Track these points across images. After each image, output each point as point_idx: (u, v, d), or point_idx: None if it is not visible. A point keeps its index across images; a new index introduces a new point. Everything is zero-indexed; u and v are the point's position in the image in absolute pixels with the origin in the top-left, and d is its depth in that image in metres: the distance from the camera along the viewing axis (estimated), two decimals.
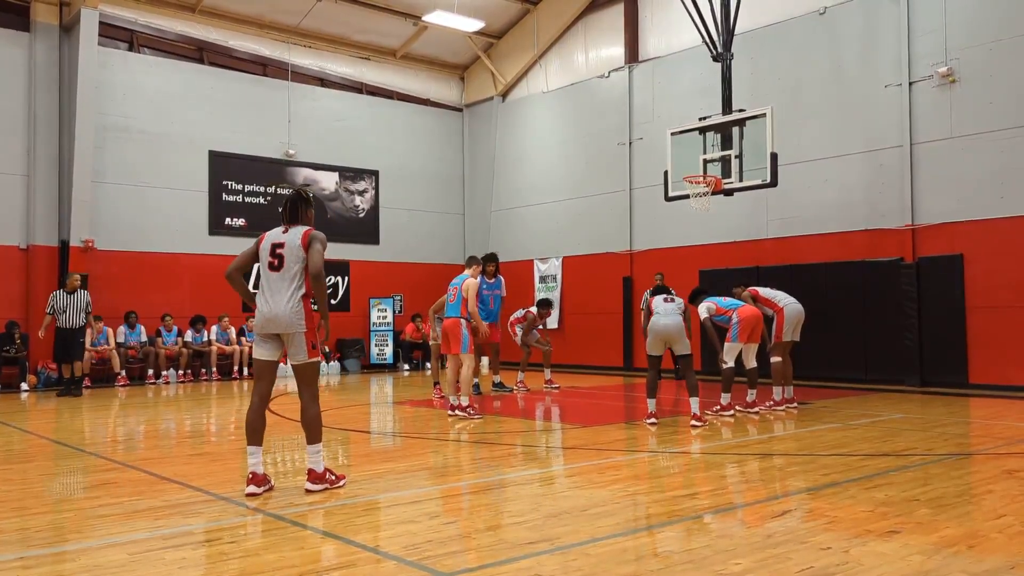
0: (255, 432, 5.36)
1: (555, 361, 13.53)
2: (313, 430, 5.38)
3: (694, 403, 8.42)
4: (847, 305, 12.89)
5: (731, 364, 9.33)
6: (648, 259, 15.93)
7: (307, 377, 5.44)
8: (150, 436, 8.54)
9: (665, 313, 8.49)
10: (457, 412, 9.20)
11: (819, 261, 13.30)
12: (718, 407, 9.30)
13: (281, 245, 5.39)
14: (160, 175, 15.90)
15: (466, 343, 9.21)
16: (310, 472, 5.35)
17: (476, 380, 10.46)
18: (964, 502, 4.87)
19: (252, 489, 5.21)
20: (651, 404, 8.60)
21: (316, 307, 5.41)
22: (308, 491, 5.26)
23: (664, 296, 8.72)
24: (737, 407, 9.43)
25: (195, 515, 4.77)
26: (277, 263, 5.38)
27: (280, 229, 5.50)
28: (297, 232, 5.39)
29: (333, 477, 5.44)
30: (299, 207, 5.52)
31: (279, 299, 5.33)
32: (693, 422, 8.28)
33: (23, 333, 13.99)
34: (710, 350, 10.95)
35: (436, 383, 11.50)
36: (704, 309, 9.40)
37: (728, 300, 9.64)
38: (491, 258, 11.53)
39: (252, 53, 17.46)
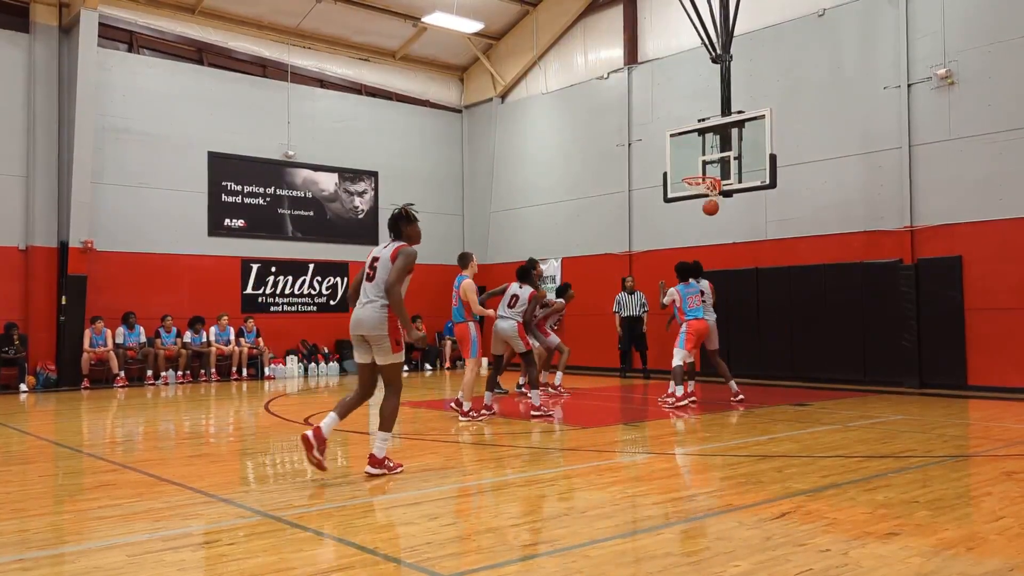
0: (341, 405, 5.93)
1: (554, 362, 13.50)
2: (385, 419, 5.88)
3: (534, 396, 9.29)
4: (846, 307, 12.90)
5: (679, 363, 10.23)
6: (647, 260, 15.94)
7: (390, 376, 5.95)
8: (149, 437, 8.54)
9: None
10: (459, 415, 9.17)
11: (818, 263, 13.30)
12: (672, 399, 10.20)
13: (377, 259, 5.95)
14: (159, 176, 15.89)
15: (475, 348, 9.19)
16: (371, 457, 5.84)
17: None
18: (963, 504, 4.87)
19: (368, 469, 5.85)
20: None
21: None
22: (368, 474, 5.76)
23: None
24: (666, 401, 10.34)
25: (194, 517, 4.77)
26: (372, 274, 5.92)
27: (383, 244, 6.07)
28: (392, 246, 5.95)
29: (392, 464, 5.88)
30: (399, 224, 6.05)
31: (366, 305, 5.83)
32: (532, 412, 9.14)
33: (22, 334, 14.00)
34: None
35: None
36: (668, 296, 10.42)
37: (693, 306, 10.29)
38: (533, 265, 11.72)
39: (251, 54, 17.46)
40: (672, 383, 10.30)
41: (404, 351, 5.93)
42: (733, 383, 10.70)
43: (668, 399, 10.32)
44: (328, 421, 5.80)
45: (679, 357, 10.24)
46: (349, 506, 5.00)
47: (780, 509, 4.71)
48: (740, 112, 11.70)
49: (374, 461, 5.81)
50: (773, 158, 11.14)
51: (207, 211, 16.49)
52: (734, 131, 11.62)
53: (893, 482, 5.46)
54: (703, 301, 10.45)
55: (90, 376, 14.29)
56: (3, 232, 14.49)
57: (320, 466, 5.70)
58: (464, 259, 9.64)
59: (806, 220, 13.56)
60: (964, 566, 3.63)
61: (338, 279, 18.21)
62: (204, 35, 16.84)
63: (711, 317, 10.75)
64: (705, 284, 10.83)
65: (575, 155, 17.69)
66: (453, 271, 17.84)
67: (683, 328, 10.28)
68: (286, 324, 17.30)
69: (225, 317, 15.84)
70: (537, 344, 11.51)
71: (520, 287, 9.74)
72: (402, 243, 5.98)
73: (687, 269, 10.50)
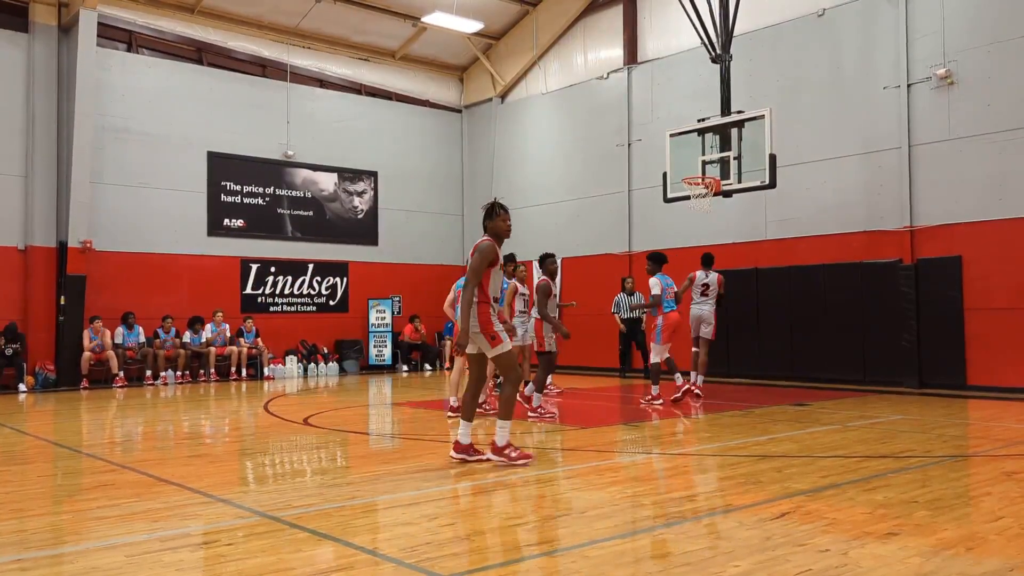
0: (463, 408, 6.33)
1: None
2: (502, 407, 6.14)
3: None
4: (845, 307, 12.90)
5: (657, 360, 10.37)
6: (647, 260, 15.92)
7: (500, 366, 6.17)
8: (148, 438, 8.53)
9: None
10: (456, 415, 9.19)
11: (818, 263, 13.30)
12: (649, 396, 10.43)
13: None
14: (159, 176, 15.89)
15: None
16: (492, 444, 6.15)
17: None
18: (963, 504, 4.87)
19: (452, 453, 6.23)
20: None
21: (495, 311, 6.18)
22: (488, 459, 6.10)
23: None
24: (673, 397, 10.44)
25: (193, 517, 4.76)
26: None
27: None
28: (475, 243, 6.15)
29: (514, 454, 6.08)
30: (484, 219, 6.28)
31: (462, 309, 6.07)
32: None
33: (20, 334, 14.00)
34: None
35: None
36: (655, 287, 10.31)
37: (667, 298, 10.35)
38: (511, 258, 11.62)
39: (251, 54, 17.46)
40: (652, 383, 10.56)
41: (507, 341, 6.14)
42: (686, 375, 10.81)
43: (655, 400, 10.46)
44: (462, 431, 6.21)
45: (657, 353, 10.40)
46: (348, 506, 4.99)
47: (780, 509, 4.71)
48: (740, 112, 11.70)
49: (495, 448, 6.10)
50: (773, 158, 11.15)
51: (206, 211, 16.49)
52: (734, 131, 11.63)
53: (892, 482, 5.46)
54: (675, 294, 10.56)
55: (89, 376, 14.28)
56: (2, 232, 14.49)
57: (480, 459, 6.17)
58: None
59: (806, 220, 13.55)
60: (963, 566, 3.62)
61: (337, 279, 18.20)
62: (203, 35, 16.84)
63: (707, 308, 10.96)
64: (714, 277, 11.10)
65: (575, 155, 17.69)
66: (453, 271, 17.81)
67: (659, 322, 10.32)
68: (285, 324, 17.29)
69: (220, 314, 15.81)
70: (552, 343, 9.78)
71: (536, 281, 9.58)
72: (483, 239, 6.16)
73: (662, 259, 10.52)
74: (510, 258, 11.59)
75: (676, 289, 10.61)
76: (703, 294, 11.02)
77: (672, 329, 10.35)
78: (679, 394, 10.43)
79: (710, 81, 13.06)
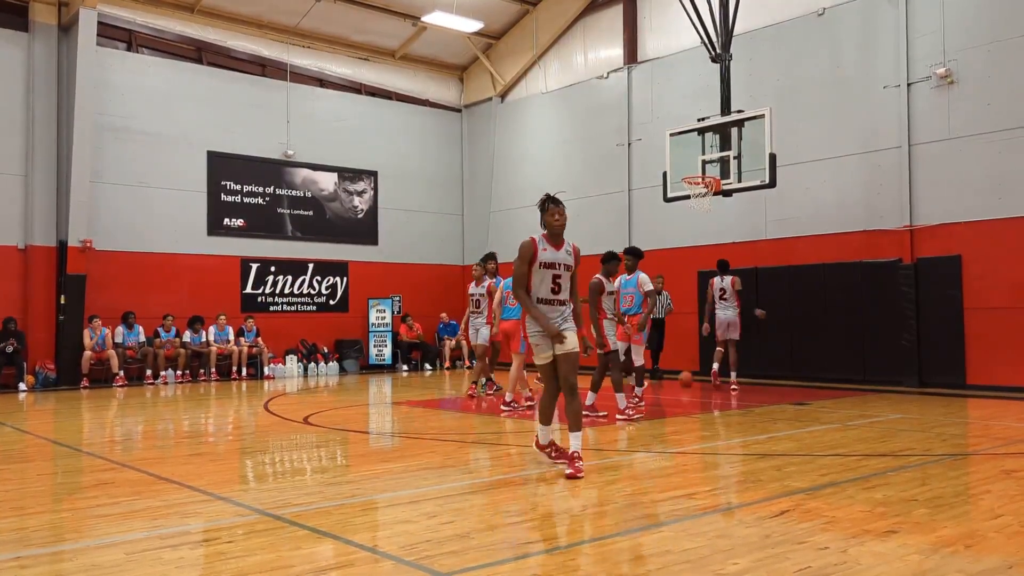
0: (540, 412, 6.22)
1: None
2: (538, 412, 6.22)
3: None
4: (845, 306, 12.91)
5: (642, 362, 9.90)
6: (647, 260, 15.81)
7: (539, 370, 6.17)
8: (148, 436, 8.54)
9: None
10: (511, 406, 9.58)
11: (817, 262, 13.30)
12: (637, 399, 9.89)
13: None
14: (159, 175, 15.89)
15: (524, 344, 9.28)
16: (535, 441, 6.25)
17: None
18: (962, 502, 4.87)
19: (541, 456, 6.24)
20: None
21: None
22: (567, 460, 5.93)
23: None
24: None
25: (193, 515, 4.76)
26: None
27: None
28: None
29: (554, 454, 6.11)
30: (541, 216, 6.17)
31: (522, 317, 6.10)
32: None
33: (20, 332, 14.00)
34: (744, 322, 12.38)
35: (475, 383, 11.43)
36: (647, 280, 9.88)
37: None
38: (491, 256, 11.67)
39: (251, 53, 17.46)
40: (637, 385, 10.02)
41: (544, 351, 5.92)
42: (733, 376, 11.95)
43: (635, 402, 9.76)
44: (542, 432, 6.13)
45: (639, 354, 9.81)
46: (348, 504, 4.99)
47: (779, 507, 4.71)
48: (740, 111, 11.71)
49: (538, 444, 6.20)
50: (773, 157, 11.15)
51: (206, 211, 16.49)
52: (734, 130, 11.64)
53: (892, 480, 5.46)
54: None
55: (89, 375, 14.29)
56: (2, 231, 14.49)
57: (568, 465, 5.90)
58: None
59: (805, 220, 13.55)
60: (962, 563, 3.63)
61: (337, 279, 18.20)
62: (203, 34, 16.84)
63: (731, 312, 12.10)
64: (728, 280, 12.14)
65: (575, 155, 17.69)
66: (453, 271, 17.62)
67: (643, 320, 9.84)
68: (286, 324, 17.30)
69: (223, 316, 15.83)
70: (615, 341, 9.46)
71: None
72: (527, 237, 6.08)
73: (641, 255, 10.26)
74: (490, 256, 11.64)
75: (727, 293, 12.11)
76: (722, 298, 12.11)
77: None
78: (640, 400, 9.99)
79: (710, 81, 13.06)
